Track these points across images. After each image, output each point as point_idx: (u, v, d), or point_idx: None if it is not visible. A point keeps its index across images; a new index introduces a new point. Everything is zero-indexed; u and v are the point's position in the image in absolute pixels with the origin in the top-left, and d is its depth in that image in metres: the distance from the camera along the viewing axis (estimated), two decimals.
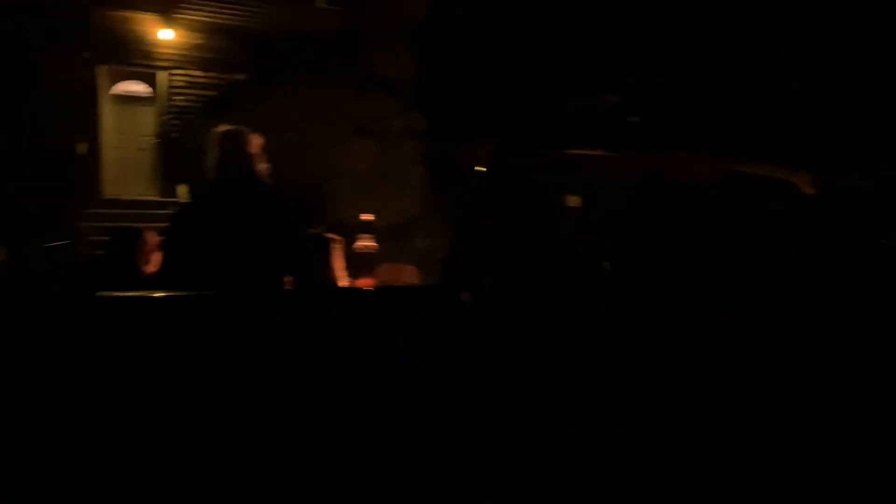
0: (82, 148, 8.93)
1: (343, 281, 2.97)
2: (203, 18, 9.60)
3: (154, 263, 3.06)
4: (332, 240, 3.12)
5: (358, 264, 2.32)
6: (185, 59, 9.81)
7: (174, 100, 9.86)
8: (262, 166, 2.72)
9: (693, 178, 1.87)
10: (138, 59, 9.64)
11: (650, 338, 1.76)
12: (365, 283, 2.29)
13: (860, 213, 1.91)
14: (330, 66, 8.40)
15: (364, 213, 7.42)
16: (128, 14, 9.21)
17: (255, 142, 2.79)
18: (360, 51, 9.27)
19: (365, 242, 2.36)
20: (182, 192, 8.10)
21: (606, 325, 1.78)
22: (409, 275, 3.64)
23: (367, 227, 2.40)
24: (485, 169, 1.86)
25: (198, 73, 9.85)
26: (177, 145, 9.22)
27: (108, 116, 9.82)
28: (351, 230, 5.83)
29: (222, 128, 2.77)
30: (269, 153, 2.84)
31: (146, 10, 9.14)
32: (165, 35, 9.46)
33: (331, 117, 7.86)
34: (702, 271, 1.86)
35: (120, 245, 3.13)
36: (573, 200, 2.07)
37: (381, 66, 9.98)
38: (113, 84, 9.83)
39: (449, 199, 8.61)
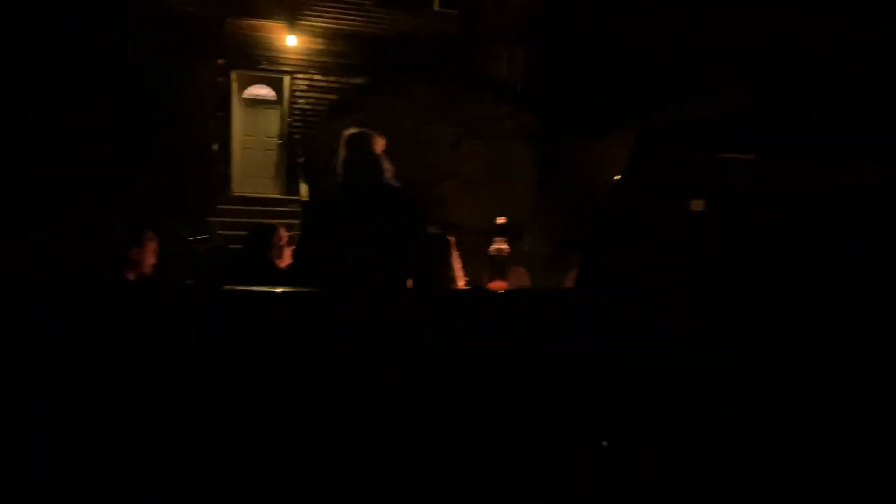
0: (215, 148, 9.62)
1: (461, 281, 3.00)
2: (325, 24, 10.05)
3: (286, 259, 3.24)
4: (450, 240, 3.14)
5: (493, 267, 2.34)
6: (307, 64, 10.33)
7: (297, 103, 10.40)
8: (387, 167, 2.80)
9: (859, 186, 1.73)
10: (265, 65, 10.25)
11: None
12: (499, 285, 2.30)
13: None
14: (443, 69, 8.54)
15: (474, 213, 7.48)
16: (256, 22, 9.82)
17: (380, 143, 2.89)
18: (472, 53, 9.37)
19: (499, 245, 2.36)
20: (303, 190, 8.52)
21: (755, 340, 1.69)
22: (521, 277, 3.62)
23: (501, 230, 2.41)
24: (625, 174, 1.81)
25: (318, 77, 10.34)
26: (298, 146, 9.71)
27: (239, 119, 10.51)
28: (463, 230, 5.89)
29: (350, 130, 2.88)
30: (387, 154, 2.93)
31: (273, 18, 9.70)
32: (290, 41, 9.99)
33: (443, 119, 7.97)
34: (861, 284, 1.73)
35: (257, 240, 3.30)
36: (698, 205, 1.98)
37: (493, 67, 10.03)
38: (243, 88, 10.52)
39: (557, 200, 8.53)
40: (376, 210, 2.60)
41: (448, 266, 2.79)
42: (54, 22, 7.47)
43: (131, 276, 3.21)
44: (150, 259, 3.28)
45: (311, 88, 10.41)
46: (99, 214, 6.48)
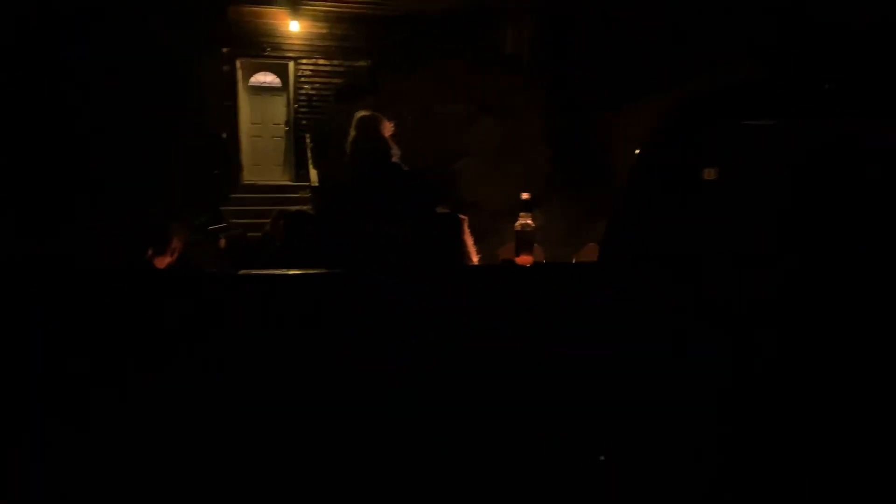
0: (224, 137, 9.63)
1: (474, 258, 3.00)
2: (327, 8, 9.95)
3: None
4: (462, 218, 3.15)
5: (520, 242, 2.34)
6: (311, 49, 10.26)
7: (302, 88, 10.35)
8: (395, 151, 2.82)
9: (874, 150, 1.68)
10: (269, 52, 10.19)
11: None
12: (526, 259, 2.30)
13: None
14: (451, 47, 8.44)
15: (490, 191, 7.43)
16: (259, 9, 9.75)
17: (388, 127, 2.90)
18: (480, 28, 9.24)
19: (525, 220, 2.36)
20: (313, 176, 8.51)
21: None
22: (537, 253, 3.61)
23: (526, 206, 2.40)
24: (648, 146, 1.78)
25: (323, 61, 10.27)
26: (305, 132, 9.69)
27: (245, 107, 10.50)
28: (477, 209, 5.85)
29: (359, 114, 2.90)
30: (397, 136, 2.94)
31: (275, 3, 9.62)
32: (293, 27, 9.92)
33: (454, 98, 7.90)
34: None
35: (297, 227, 3.29)
36: (710, 174, 1.94)
37: (502, 42, 9.89)
38: (248, 76, 10.49)
39: (570, 175, 8.44)
40: (386, 190, 2.63)
41: (461, 244, 2.80)
42: (54, 19, 7.47)
43: (160, 265, 3.27)
44: (177, 247, 3.36)
45: (315, 73, 10.35)
46: (113, 206, 6.54)
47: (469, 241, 3.13)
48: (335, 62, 10.25)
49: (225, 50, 9.76)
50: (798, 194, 1.73)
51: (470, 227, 3.22)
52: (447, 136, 7.68)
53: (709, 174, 1.89)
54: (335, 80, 10.02)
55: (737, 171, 1.78)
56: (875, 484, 1.64)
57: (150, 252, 3.33)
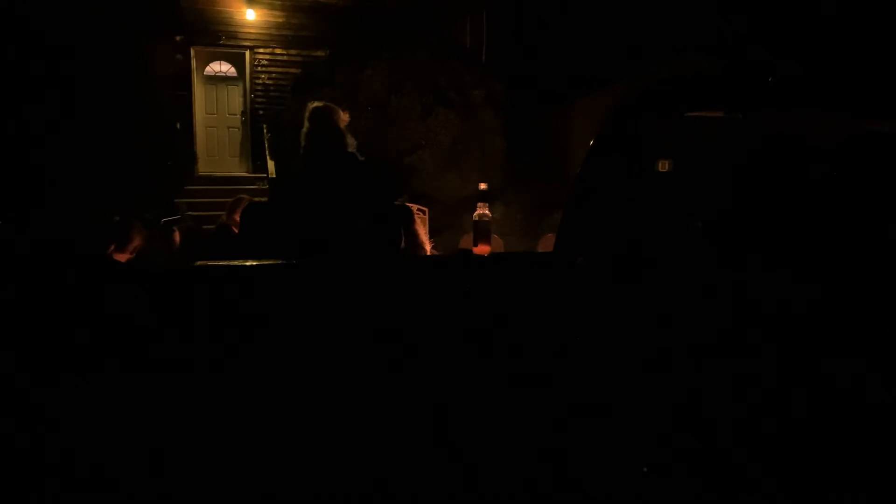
0: (178, 127, 9.41)
1: (427, 249, 3.04)
2: None
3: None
4: (416, 210, 3.19)
5: (477, 232, 2.39)
6: (267, 38, 10.10)
7: (259, 78, 10.19)
8: (351, 141, 2.83)
9: (821, 139, 1.76)
10: (225, 41, 9.99)
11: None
12: (484, 249, 2.34)
13: None
14: (409, 38, 8.42)
15: (447, 183, 7.46)
16: None
17: (344, 118, 2.90)
18: (438, 21, 9.24)
19: (482, 210, 2.40)
20: (270, 167, 8.41)
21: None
22: (496, 244, 3.67)
23: (483, 196, 2.44)
24: (597, 135, 1.83)
25: (280, 51, 10.12)
26: (262, 122, 9.55)
27: (200, 97, 10.28)
28: (433, 201, 5.88)
29: (313, 104, 2.89)
30: (353, 127, 2.95)
31: None
32: (249, 15, 9.75)
33: (412, 90, 7.89)
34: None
35: (252, 217, 3.26)
36: (664, 165, 2.00)
37: (460, 35, 9.90)
38: (203, 65, 10.26)
39: (526, 167, 8.53)
40: (341, 181, 2.64)
41: (413, 234, 2.85)
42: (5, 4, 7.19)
43: (121, 259, 3.24)
44: (136, 242, 3.33)
45: (272, 63, 10.20)
46: (65, 198, 6.36)
47: (422, 231, 3.17)
48: (292, 52, 10.11)
49: (178, 38, 9.53)
50: (745, 185, 1.81)
51: (428, 219, 3.26)
52: (404, 127, 7.68)
53: (662, 166, 1.96)
54: (292, 71, 9.89)
55: (684, 163, 1.85)
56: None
57: (111, 248, 3.29)
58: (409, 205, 3.23)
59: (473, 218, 2.45)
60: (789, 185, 1.77)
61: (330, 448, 1.77)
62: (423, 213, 3.92)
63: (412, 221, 3.03)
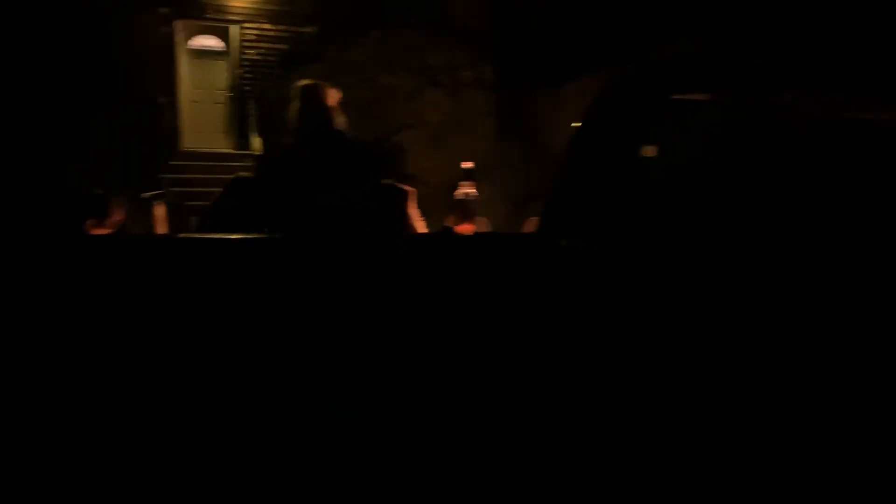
0: (162, 101, 9.27)
1: (420, 229, 3.03)
2: None
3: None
4: (406, 190, 3.18)
5: (460, 211, 2.38)
6: (256, 13, 9.93)
7: (246, 53, 10.04)
8: (340, 120, 2.80)
9: (808, 125, 1.76)
10: (211, 14, 9.82)
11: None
12: (467, 228, 2.34)
13: None
14: (399, 18, 8.33)
15: (435, 164, 7.44)
16: None
17: (333, 95, 2.87)
18: (430, 1, 9.15)
19: (466, 189, 2.39)
20: (256, 144, 8.33)
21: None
22: (482, 226, 3.67)
23: (468, 175, 2.44)
24: (584, 117, 1.83)
25: (268, 26, 9.97)
26: (249, 98, 9.44)
27: (185, 71, 10.12)
28: (421, 181, 5.85)
29: (302, 82, 2.86)
30: (343, 106, 2.93)
31: None
32: None
33: (401, 69, 7.83)
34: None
35: (237, 190, 3.23)
36: (650, 151, 2.01)
37: (452, 16, 9.82)
38: (189, 39, 10.09)
39: (516, 150, 8.54)
40: (330, 159, 2.62)
41: (404, 215, 2.83)
42: None
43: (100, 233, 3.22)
44: (116, 216, 3.31)
45: (260, 38, 10.04)
46: (49, 173, 6.28)
47: (415, 212, 3.16)
48: (281, 27, 9.96)
49: (162, 10, 9.35)
50: (731, 168, 1.81)
51: (417, 199, 3.24)
52: (393, 107, 7.63)
53: (648, 151, 1.96)
54: (281, 46, 9.75)
55: (668, 146, 1.85)
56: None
57: (90, 223, 3.26)
58: (403, 186, 3.21)
59: (456, 196, 2.45)
60: (776, 171, 1.78)
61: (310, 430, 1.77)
62: (411, 192, 3.91)
63: (405, 202, 3.02)
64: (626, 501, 1.65)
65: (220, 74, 10.37)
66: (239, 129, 10.03)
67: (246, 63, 10.05)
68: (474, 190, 2.43)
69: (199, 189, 7.11)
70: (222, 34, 10.18)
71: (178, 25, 9.76)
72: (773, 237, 1.72)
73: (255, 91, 9.45)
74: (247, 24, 9.95)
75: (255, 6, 9.89)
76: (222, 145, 10.26)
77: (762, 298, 1.67)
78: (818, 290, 1.65)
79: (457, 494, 1.72)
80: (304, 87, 2.80)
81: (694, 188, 1.80)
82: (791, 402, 1.68)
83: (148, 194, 3.91)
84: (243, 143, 9.73)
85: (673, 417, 1.70)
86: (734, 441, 1.67)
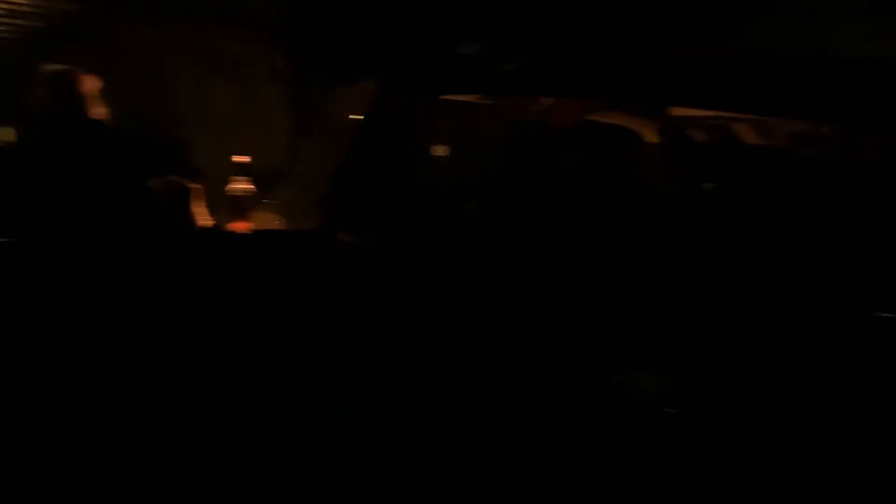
0: None
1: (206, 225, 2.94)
2: None
3: None
4: (188, 186, 3.08)
5: (233, 207, 2.27)
6: None
7: None
8: (99, 110, 2.60)
9: (557, 126, 1.93)
10: None
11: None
12: (241, 226, 2.24)
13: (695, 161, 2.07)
14: (189, 1, 7.78)
15: (225, 158, 7.04)
16: None
17: (90, 83, 2.66)
18: None
19: (239, 185, 2.30)
20: (5, 134, 7.26)
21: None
22: (272, 223, 3.62)
23: (242, 169, 2.36)
24: (364, 115, 1.85)
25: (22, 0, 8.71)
26: None
27: None
28: (209, 176, 5.52)
29: (50, 68, 2.61)
30: (115, 95, 2.75)
31: None
32: None
33: (188, 57, 7.32)
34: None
35: None
36: (441, 149, 2.10)
37: (246, 4, 9.35)
38: None
39: (315, 148, 8.39)
40: (79, 155, 2.41)
41: (186, 213, 2.72)
42: None
43: None
44: None
45: (11, 14, 8.72)
46: None
47: (198, 208, 3.03)
48: (39, 3, 8.75)
49: None
50: (491, 163, 1.94)
51: (201, 196, 3.11)
52: (178, 98, 7.13)
53: (439, 150, 2.03)
54: (37, 24, 8.56)
55: (435, 144, 1.94)
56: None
57: None
58: (185, 182, 3.11)
59: (227, 192, 2.36)
60: (534, 169, 1.93)
61: None
62: (195, 189, 3.73)
63: (188, 199, 2.90)
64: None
65: None
66: None
67: None
68: (250, 185, 2.35)
69: None
70: None
71: None
72: (528, 226, 1.87)
73: (6, 74, 8.21)
74: None
75: None
76: None
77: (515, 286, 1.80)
78: (566, 276, 1.82)
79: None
80: (52, 73, 2.55)
81: (455, 183, 1.90)
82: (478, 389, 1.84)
83: None
84: None
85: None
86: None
